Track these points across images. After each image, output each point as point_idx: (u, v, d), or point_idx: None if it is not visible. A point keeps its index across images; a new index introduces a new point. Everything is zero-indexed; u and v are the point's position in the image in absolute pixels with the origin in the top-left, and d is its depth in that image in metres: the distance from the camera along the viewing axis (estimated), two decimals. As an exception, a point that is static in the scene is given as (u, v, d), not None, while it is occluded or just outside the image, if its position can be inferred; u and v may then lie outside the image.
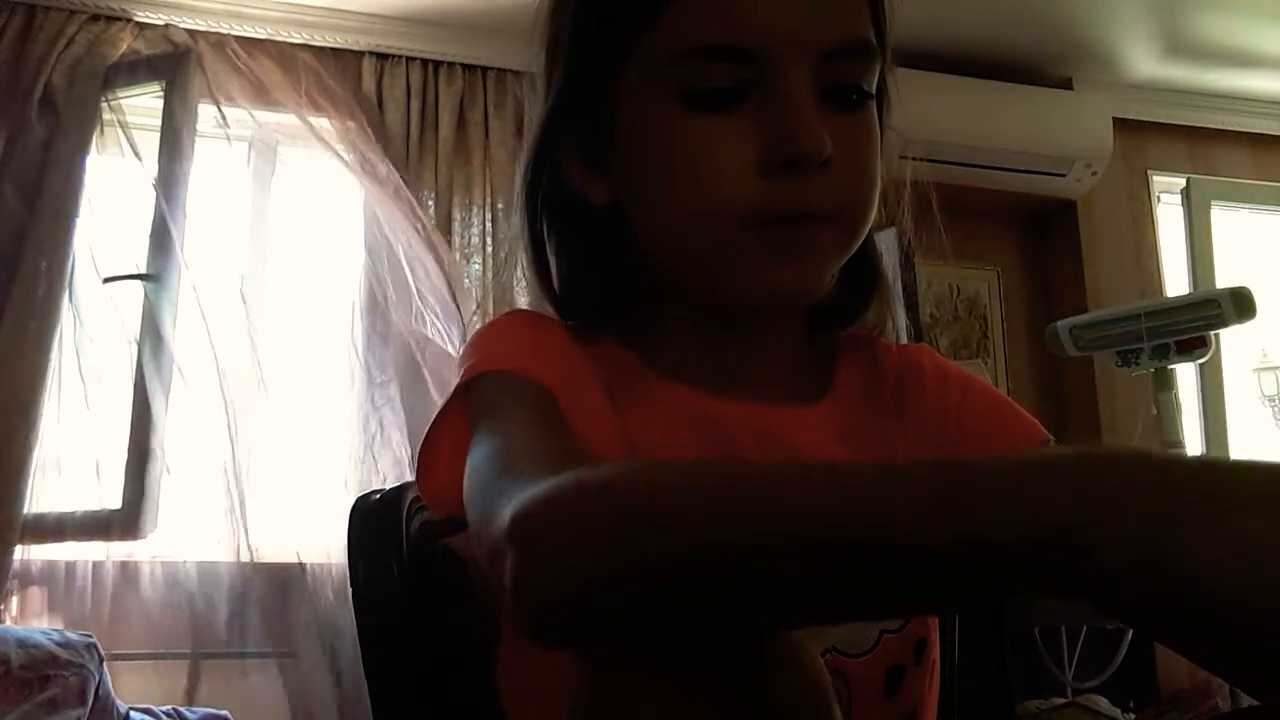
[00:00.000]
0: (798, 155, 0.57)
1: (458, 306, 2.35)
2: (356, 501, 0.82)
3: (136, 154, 2.30)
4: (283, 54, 2.45)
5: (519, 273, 2.44)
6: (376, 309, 2.36)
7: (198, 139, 2.34)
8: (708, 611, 0.40)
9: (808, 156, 0.57)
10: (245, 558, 2.17)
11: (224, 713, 1.94)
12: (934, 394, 0.72)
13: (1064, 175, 2.80)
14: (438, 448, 0.63)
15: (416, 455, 0.65)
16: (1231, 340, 2.69)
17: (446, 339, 2.33)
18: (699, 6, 0.59)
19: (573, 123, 0.66)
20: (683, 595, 0.40)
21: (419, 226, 2.37)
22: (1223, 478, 0.34)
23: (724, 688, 0.40)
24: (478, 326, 2.27)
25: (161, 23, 2.40)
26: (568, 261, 0.70)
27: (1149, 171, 3.05)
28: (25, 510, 2.07)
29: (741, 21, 0.58)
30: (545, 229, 0.70)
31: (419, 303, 2.34)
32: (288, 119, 2.41)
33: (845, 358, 0.73)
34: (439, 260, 2.36)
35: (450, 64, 2.53)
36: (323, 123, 2.41)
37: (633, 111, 0.63)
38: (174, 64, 2.35)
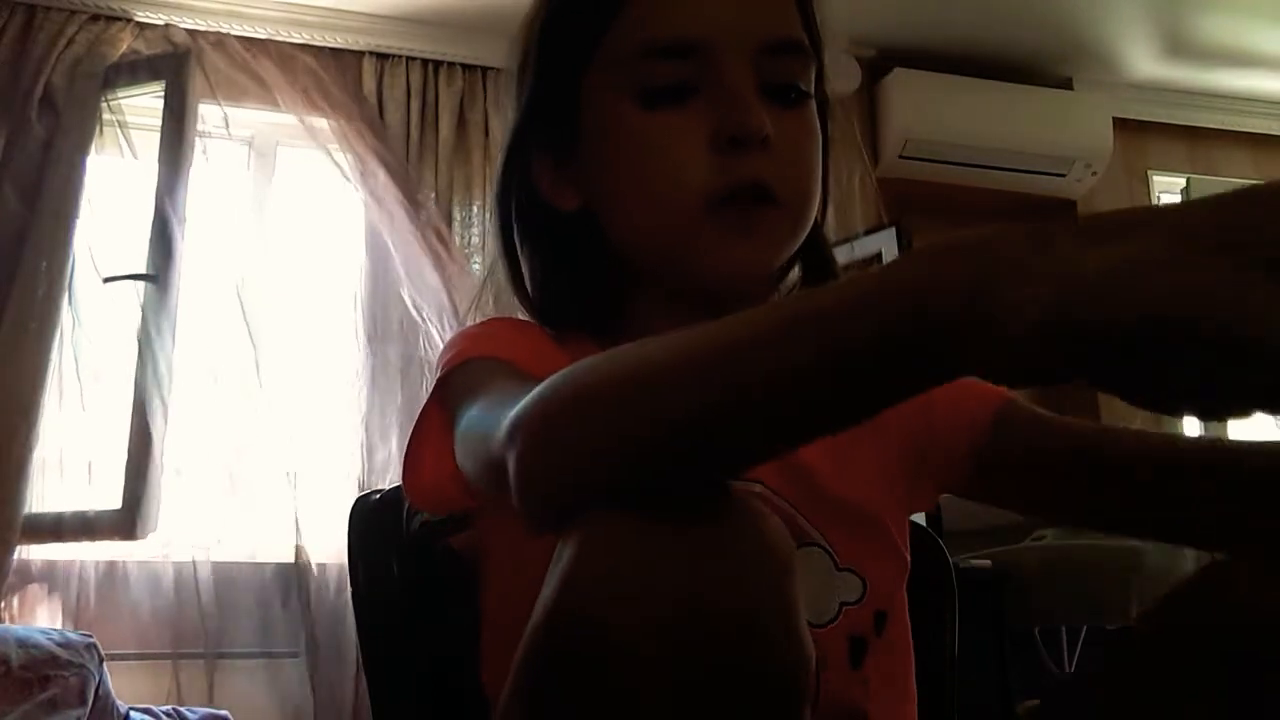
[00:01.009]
0: (741, 131, 0.63)
1: (455, 306, 2.35)
2: (356, 501, 0.82)
3: (136, 154, 2.30)
4: (283, 54, 2.45)
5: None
6: (377, 308, 2.36)
7: (198, 139, 2.34)
8: (691, 466, 0.44)
9: (750, 132, 0.63)
10: (245, 558, 2.17)
11: (224, 713, 1.94)
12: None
13: (1064, 175, 2.80)
14: (422, 446, 0.65)
15: (403, 457, 0.67)
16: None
17: (446, 339, 2.33)
18: (648, 9, 0.66)
19: (542, 131, 0.71)
20: (663, 455, 0.43)
21: (419, 226, 2.37)
22: (1063, 229, 0.37)
23: (696, 535, 0.42)
24: (474, 321, 2.24)
25: (161, 23, 2.40)
26: (542, 268, 0.73)
27: (1149, 171, 3.05)
28: (25, 510, 2.07)
29: (686, 20, 0.65)
30: (519, 238, 0.73)
31: (420, 302, 2.34)
32: (288, 119, 2.41)
33: None
34: (439, 260, 2.36)
35: (450, 64, 2.53)
36: (322, 123, 2.41)
37: (595, 114, 0.68)
38: (174, 64, 2.35)
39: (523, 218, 0.73)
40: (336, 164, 2.41)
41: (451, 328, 2.34)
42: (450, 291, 2.36)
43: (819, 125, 0.69)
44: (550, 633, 0.41)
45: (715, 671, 0.40)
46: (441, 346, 2.39)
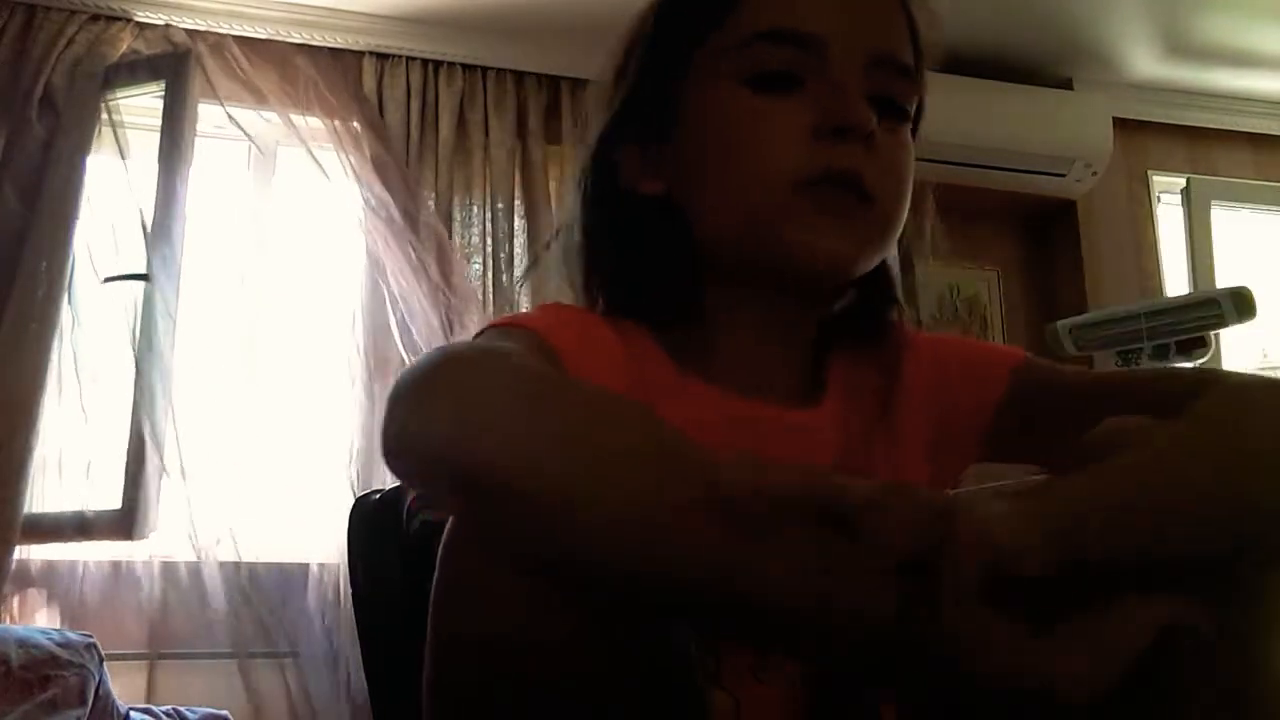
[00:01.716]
0: (846, 122, 0.64)
1: (454, 305, 2.35)
2: (356, 501, 0.83)
3: (136, 154, 2.30)
4: (283, 54, 2.45)
5: (518, 273, 2.46)
6: (376, 307, 2.36)
7: (198, 139, 2.34)
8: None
9: (856, 124, 0.64)
10: (245, 557, 2.17)
11: (224, 713, 1.94)
12: (925, 365, 0.75)
13: (1064, 175, 2.80)
14: None
15: None
16: (1231, 340, 2.69)
17: (449, 338, 2.33)
18: (767, 2, 0.67)
19: (636, 124, 0.72)
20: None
21: (419, 226, 2.37)
22: None
23: None
24: (471, 326, 2.23)
25: (161, 23, 2.40)
26: (613, 255, 0.73)
27: (1149, 171, 3.05)
28: (25, 510, 2.07)
29: (805, 11, 0.66)
30: (588, 224, 0.74)
31: (419, 301, 2.34)
32: (288, 119, 2.41)
33: (835, 356, 0.75)
34: (439, 259, 2.36)
35: (450, 64, 2.53)
36: (322, 123, 2.40)
37: (698, 97, 0.69)
38: (174, 64, 2.35)
39: (597, 203, 0.73)
40: (337, 164, 2.40)
41: (450, 327, 2.34)
42: (450, 291, 2.36)
43: (913, 154, 0.70)
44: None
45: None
46: (439, 345, 2.39)
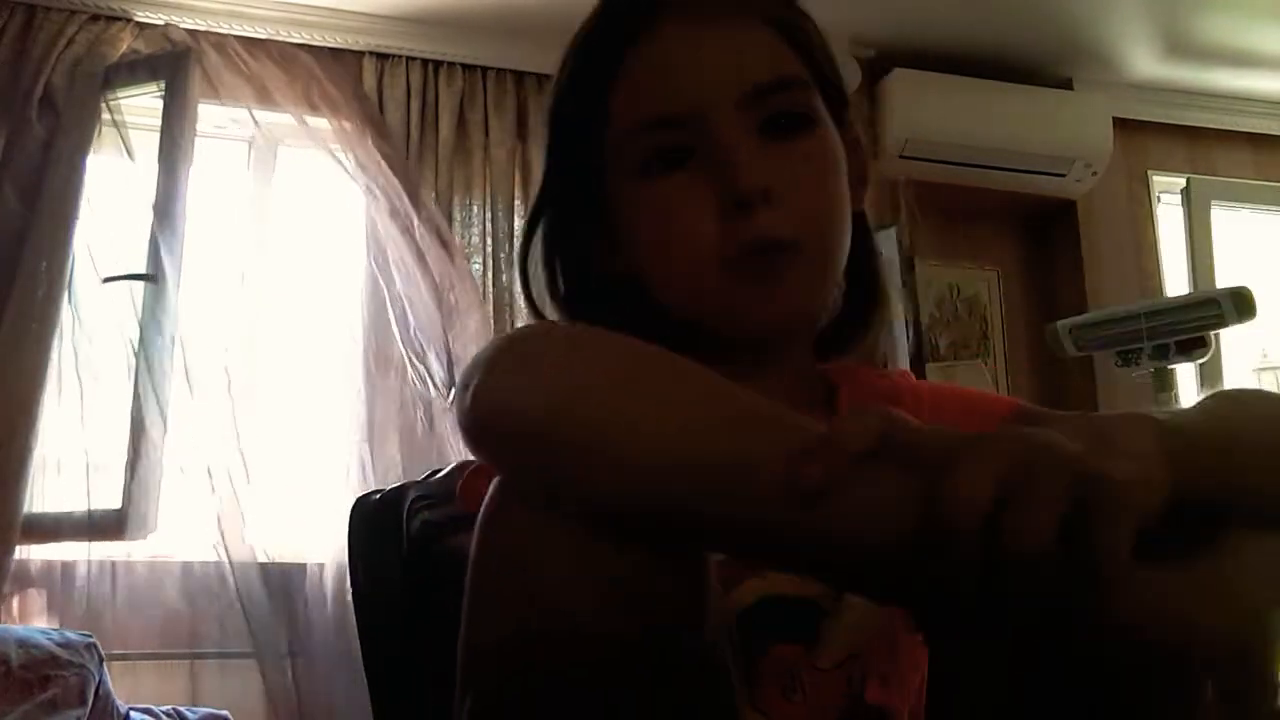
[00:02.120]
0: (736, 193, 0.64)
1: (455, 305, 2.35)
2: (357, 501, 0.83)
3: (136, 154, 2.29)
4: (283, 54, 2.45)
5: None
6: (377, 307, 2.36)
7: (198, 139, 2.34)
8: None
9: (747, 193, 0.64)
10: (245, 557, 2.17)
11: (224, 713, 1.94)
12: (925, 414, 0.75)
13: (1064, 175, 2.80)
14: None
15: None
16: (1231, 340, 2.69)
17: (449, 338, 2.33)
18: (632, 92, 0.68)
19: (575, 200, 0.73)
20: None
21: (419, 226, 2.37)
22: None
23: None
24: (472, 325, 2.22)
25: (161, 23, 2.40)
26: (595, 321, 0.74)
27: (1149, 171, 3.05)
28: (25, 510, 2.07)
29: (667, 92, 0.67)
30: (573, 302, 0.76)
31: (419, 301, 2.34)
32: (288, 119, 2.41)
33: (842, 389, 0.76)
34: (439, 259, 2.36)
35: (450, 64, 2.53)
36: (322, 123, 2.40)
37: (612, 193, 0.71)
38: (174, 64, 2.35)
39: (574, 283, 0.75)
40: (337, 163, 2.40)
41: (450, 327, 2.34)
42: (450, 291, 2.36)
43: (835, 144, 0.69)
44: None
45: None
46: (439, 346, 2.38)
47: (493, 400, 0.51)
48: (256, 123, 2.45)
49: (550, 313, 0.76)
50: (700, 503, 0.45)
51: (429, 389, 2.30)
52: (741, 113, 0.66)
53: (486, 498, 0.51)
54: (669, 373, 0.50)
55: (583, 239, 0.73)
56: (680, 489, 0.45)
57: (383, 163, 2.38)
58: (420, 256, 2.35)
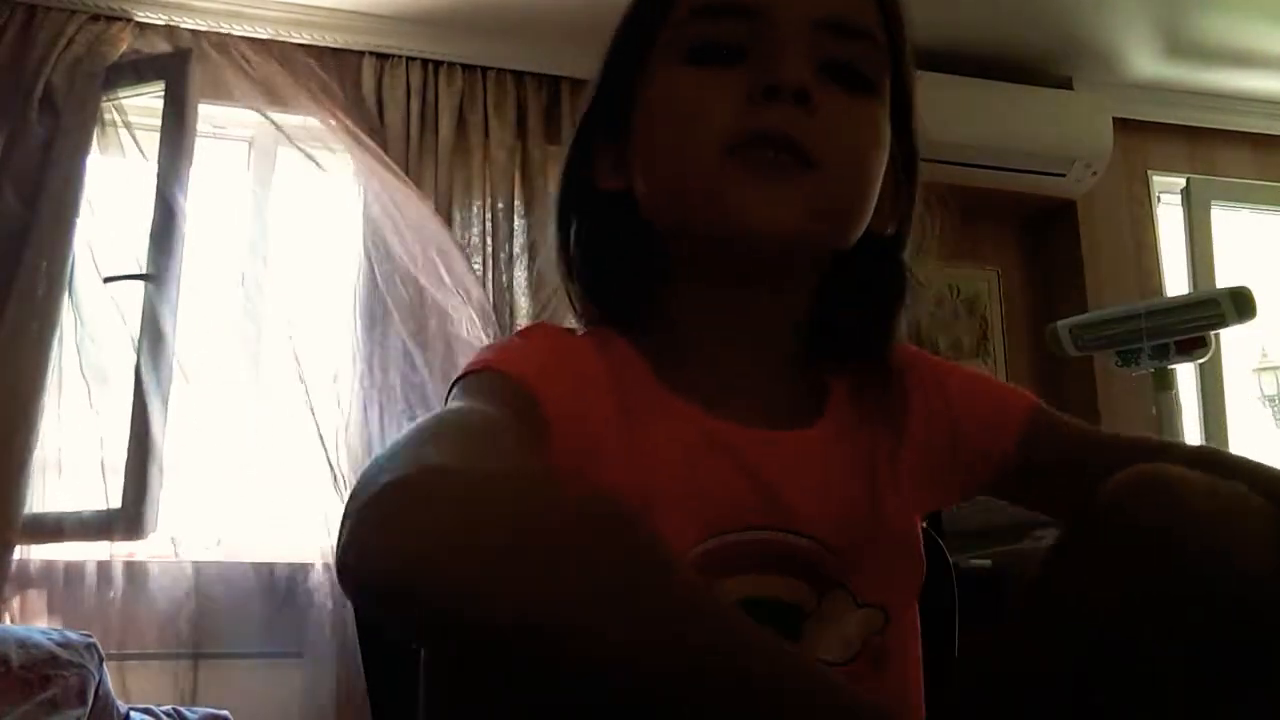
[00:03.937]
0: (776, 81, 0.61)
1: (453, 304, 2.35)
2: (357, 501, 0.82)
3: (140, 153, 2.30)
4: (283, 54, 2.45)
5: (518, 273, 2.47)
6: (376, 307, 2.36)
7: (198, 139, 2.34)
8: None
9: (785, 82, 0.61)
10: (245, 557, 2.17)
11: (224, 713, 1.94)
12: (922, 385, 0.74)
13: (1064, 175, 2.80)
14: None
15: None
16: (1231, 340, 2.69)
17: (449, 338, 2.33)
18: None
19: (603, 126, 0.70)
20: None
21: (418, 226, 2.37)
22: None
23: None
24: (470, 326, 2.23)
25: (162, 23, 2.40)
26: (582, 256, 0.71)
27: (1149, 171, 3.05)
28: (25, 510, 2.07)
29: None
30: (574, 232, 0.72)
31: (418, 301, 2.34)
32: (288, 119, 2.41)
33: (834, 381, 0.73)
34: (437, 259, 2.36)
35: (450, 64, 2.53)
36: (322, 123, 2.40)
37: (648, 84, 0.67)
38: (174, 64, 2.35)
39: (576, 208, 0.72)
40: (337, 163, 2.41)
41: (450, 327, 2.34)
42: (449, 291, 2.36)
43: (886, 128, 0.66)
44: None
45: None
46: (441, 344, 2.39)
47: (365, 568, 0.44)
48: (256, 123, 2.45)
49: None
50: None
51: (428, 389, 2.30)
52: (807, 35, 0.63)
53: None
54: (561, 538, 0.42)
55: (592, 153, 0.70)
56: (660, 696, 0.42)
57: (382, 163, 2.38)
58: (418, 256, 2.35)
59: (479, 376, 0.62)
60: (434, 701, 0.56)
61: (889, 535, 0.69)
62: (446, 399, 0.63)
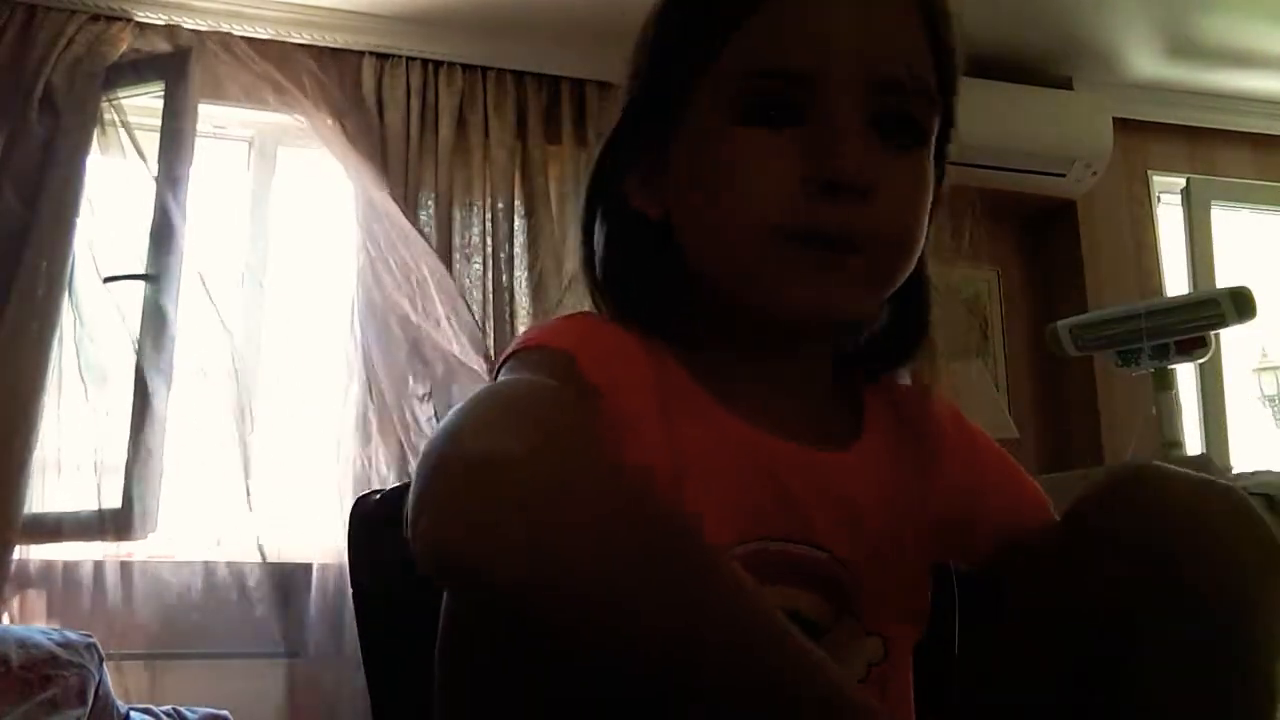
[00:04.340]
0: (838, 178, 0.59)
1: (452, 305, 2.35)
2: (357, 501, 0.82)
3: (139, 153, 2.30)
4: (283, 54, 2.45)
5: (519, 272, 2.47)
6: (375, 307, 2.35)
7: (198, 139, 2.34)
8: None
9: (849, 179, 0.59)
10: (246, 557, 2.17)
11: (224, 713, 1.94)
12: (956, 443, 0.73)
13: (1064, 175, 2.80)
14: None
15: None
16: (1231, 340, 2.69)
17: (451, 338, 2.33)
18: (761, 31, 0.62)
19: (639, 142, 0.68)
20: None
21: (418, 226, 2.37)
22: None
23: None
24: (469, 326, 2.21)
25: (162, 22, 2.40)
26: (622, 272, 0.70)
27: (1149, 171, 3.05)
28: (25, 510, 2.07)
29: (800, 46, 0.61)
30: (605, 240, 0.71)
31: (417, 301, 2.34)
32: (288, 119, 2.41)
33: (870, 400, 0.73)
34: (437, 259, 2.36)
35: (450, 64, 2.53)
36: (322, 123, 2.40)
37: (694, 129, 0.65)
38: (174, 64, 2.35)
39: (610, 220, 0.70)
40: (336, 163, 2.40)
41: (449, 326, 2.34)
42: (448, 291, 2.36)
43: (930, 173, 0.65)
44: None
45: None
46: (440, 344, 2.39)
47: (449, 556, 0.45)
48: (256, 123, 2.45)
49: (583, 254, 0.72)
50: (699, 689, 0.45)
51: (427, 388, 2.30)
52: (864, 96, 0.61)
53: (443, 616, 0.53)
54: (663, 539, 0.47)
55: (628, 173, 0.69)
56: (678, 680, 0.45)
57: (382, 163, 2.38)
58: (418, 256, 2.35)
59: (526, 354, 0.62)
60: (453, 681, 0.57)
61: (904, 569, 0.68)
62: (495, 377, 0.63)
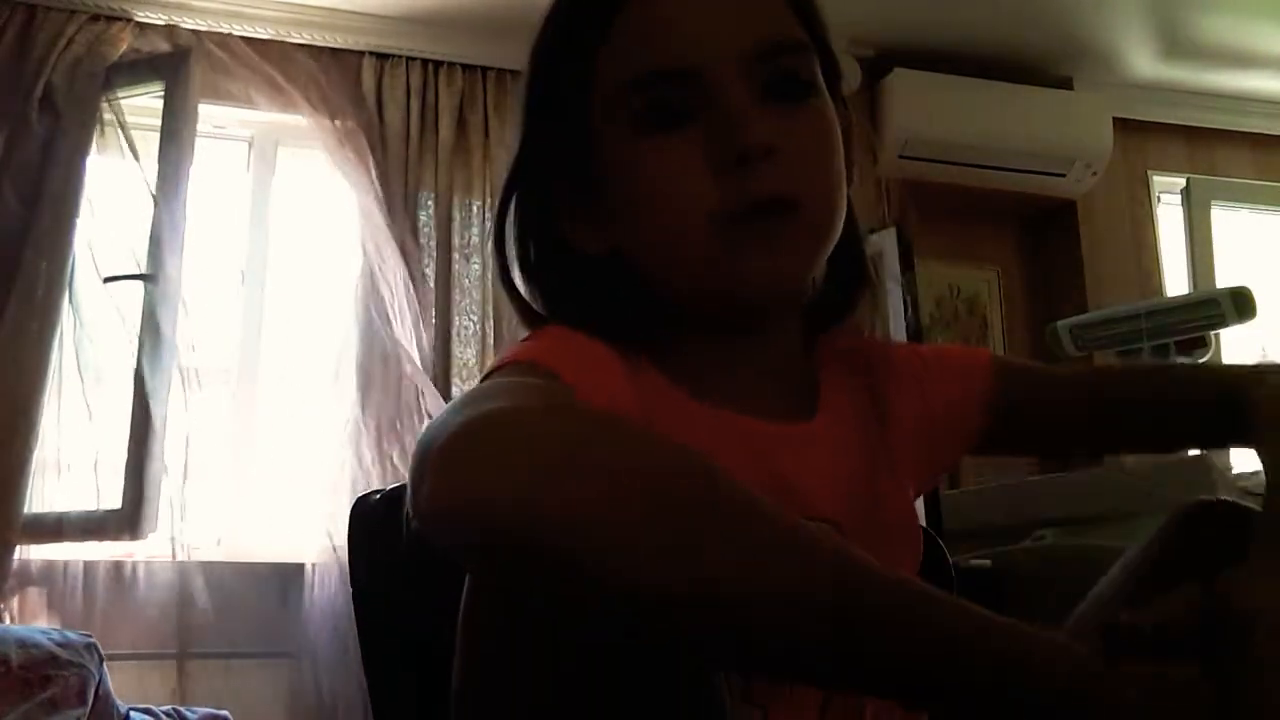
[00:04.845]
0: (740, 148, 0.61)
1: (452, 305, 2.35)
2: (356, 501, 0.82)
3: (136, 154, 2.30)
4: (283, 54, 2.45)
5: (518, 272, 2.46)
6: (374, 307, 2.35)
7: (198, 139, 2.34)
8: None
9: (749, 147, 0.61)
10: (245, 557, 2.17)
11: (224, 713, 1.94)
12: (902, 371, 0.76)
13: (1064, 175, 2.80)
14: None
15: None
16: (1231, 340, 2.69)
17: (446, 338, 2.33)
18: (631, 41, 0.64)
19: (557, 179, 0.69)
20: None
21: (417, 226, 2.38)
22: None
23: None
24: (468, 326, 2.20)
25: (162, 23, 2.40)
26: (579, 313, 0.69)
27: (1149, 171, 3.05)
28: (25, 510, 2.07)
29: (669, 46, 0.64)
30: (550, 284, 0.71)
31: (417, 301, 2.34)
32: (288, 119, 2.41)
33: (827, 367, 0.74)
34: (437, 259, 2.36)
35: (450, 64, 2.53)
36: (322, 123, 2.40)
37: (602, 155, 0.66)
38: (174, 64, 2.35)
39: (554, 264, 0.70)
40: (336, 163, 2.40)
41: (450, 326, 2.34)
42: (447, 291, 2.36)
43: (834, 118, 0.67)
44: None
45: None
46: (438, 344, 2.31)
47: (459, 503, 0.43)
48: (256, 123, 2.45)
49: (526, 295, 0.72)
50: (721, 633, 0.44)
51: (427, 388, 2.30)
52: (743, 71, 0.63)
53: (465, 593, 0.52)
54: (671, 470, 0.46)
55: (560, 217, 0.69)
56: (697, 619, 0.44)
57: (382, 163, 2.38)
58: (417, 256, 2.35)
59: (507, 370, 0.61)
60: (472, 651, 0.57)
61: (886, 516, 0.70)
62: None
